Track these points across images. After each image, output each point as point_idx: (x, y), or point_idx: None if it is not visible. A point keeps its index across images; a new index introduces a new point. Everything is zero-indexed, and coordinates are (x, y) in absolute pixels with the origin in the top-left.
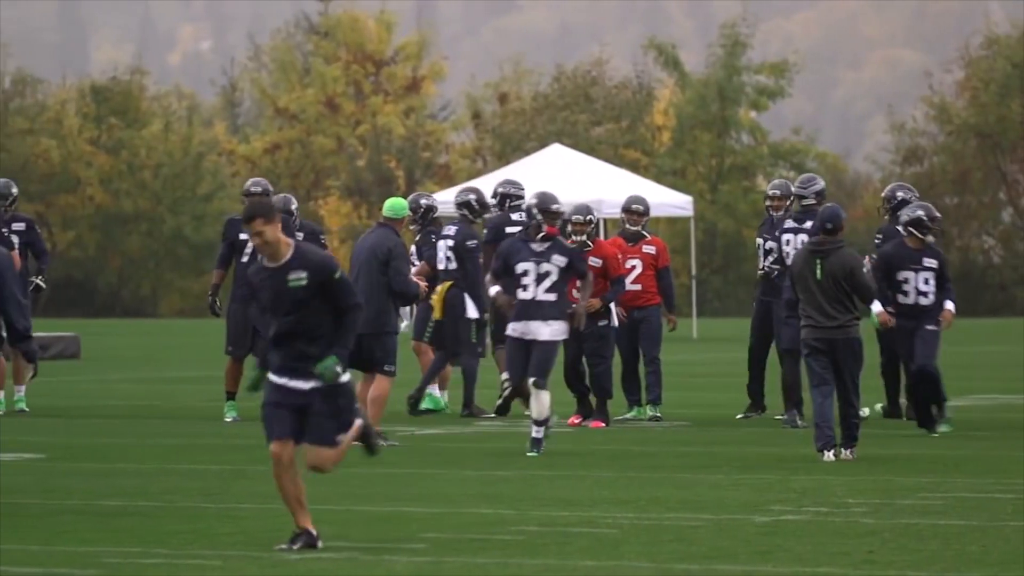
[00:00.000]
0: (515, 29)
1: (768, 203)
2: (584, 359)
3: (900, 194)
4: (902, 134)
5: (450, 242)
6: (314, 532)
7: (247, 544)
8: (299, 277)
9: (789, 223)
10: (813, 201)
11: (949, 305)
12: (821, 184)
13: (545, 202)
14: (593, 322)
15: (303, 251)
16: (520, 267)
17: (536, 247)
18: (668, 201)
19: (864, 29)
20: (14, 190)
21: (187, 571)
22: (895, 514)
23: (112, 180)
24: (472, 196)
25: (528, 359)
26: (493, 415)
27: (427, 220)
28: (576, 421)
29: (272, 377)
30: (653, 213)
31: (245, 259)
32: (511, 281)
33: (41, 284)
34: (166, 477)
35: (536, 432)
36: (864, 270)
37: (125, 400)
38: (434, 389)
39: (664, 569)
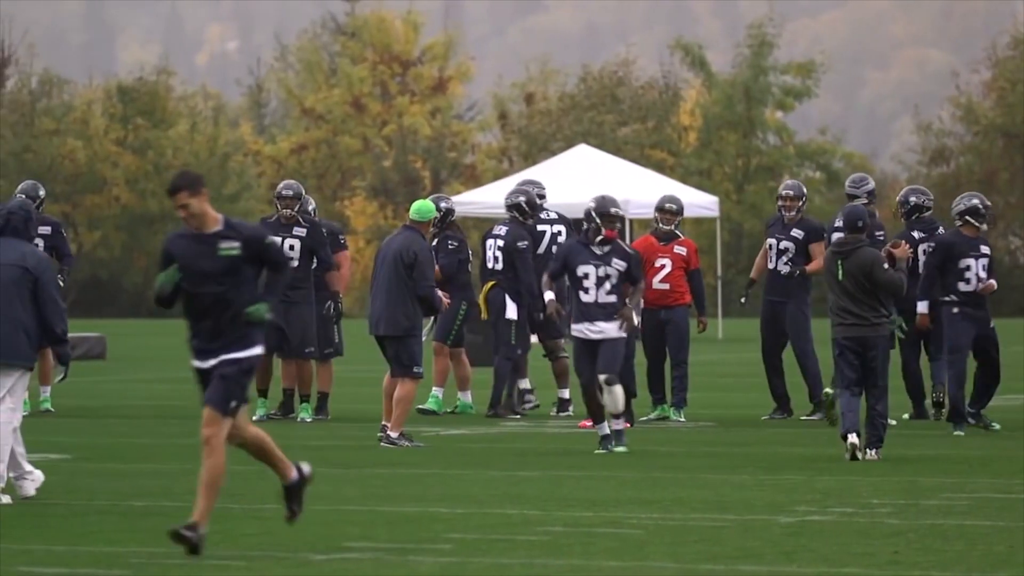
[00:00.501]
0: (542, 29)
1: (780, 203)
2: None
3: (913, 199)
4: (929, 134)
5: (500, 242)
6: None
7: (272, 545)
8: (232, 247)
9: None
10: (865, 200)
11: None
12: (872, 184)
13: (604, 206)
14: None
15: (234, 223)
16: (581, 270)
17: (597, 250)
18: (694, 201)
19: (891, 29)
20: (41, 192)
21: (211, 571)
22: (920, 515)
23: (138, 180)
24: (522, 198)
25: (595, 358)
26: (519, 415)
27: (444, 224)
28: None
29: (195, 363)
30: None
31: None
32: (563, 284)
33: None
34: (191, 477)
35: (616, 424)
36: (884, 266)
37: (150, 400)
38: (439, 391)
39: (689, 570)
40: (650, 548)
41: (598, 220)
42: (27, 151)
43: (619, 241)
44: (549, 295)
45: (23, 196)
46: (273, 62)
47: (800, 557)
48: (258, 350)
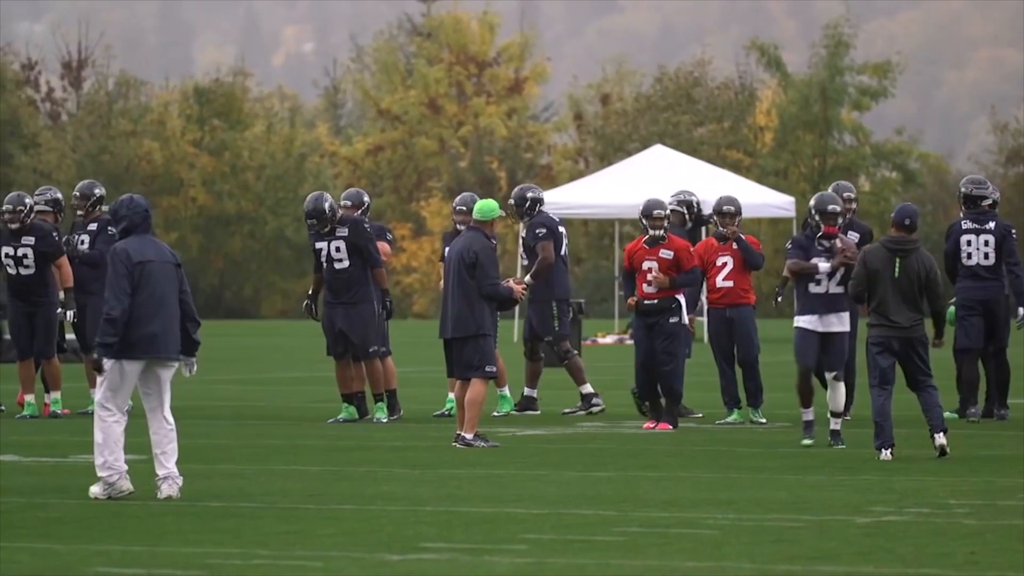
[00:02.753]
0: (618, 30)
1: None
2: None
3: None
4: (1005, 134)
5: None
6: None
7: (348, 545)
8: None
9: (967, 224)
10: (991, 200)
11: None
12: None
13: (823, 203)
14: (664, 319)
15: None
16: (813, 262)
17: (826, 244)
18: (770, 202)
19: (967, 29)
20: (97, 191)
21: (288, 572)
22: (997, 515)
23: (215, 181)
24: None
25: (818, 350)
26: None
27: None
28: (649, 426)
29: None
30: (755, 214)
31: (325, 264)
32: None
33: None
34: (267, 478)
35: (834, 424)
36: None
37: (227, 401)
38: (505, 390)
39: (765, 570)
40: (726, 548)
41: (817, 217)
42: (104, 152)
43: (840, 235)
44: (824, 265)
45: (78, 195)
46: (349, 63)
47: (876, 558)
48: None
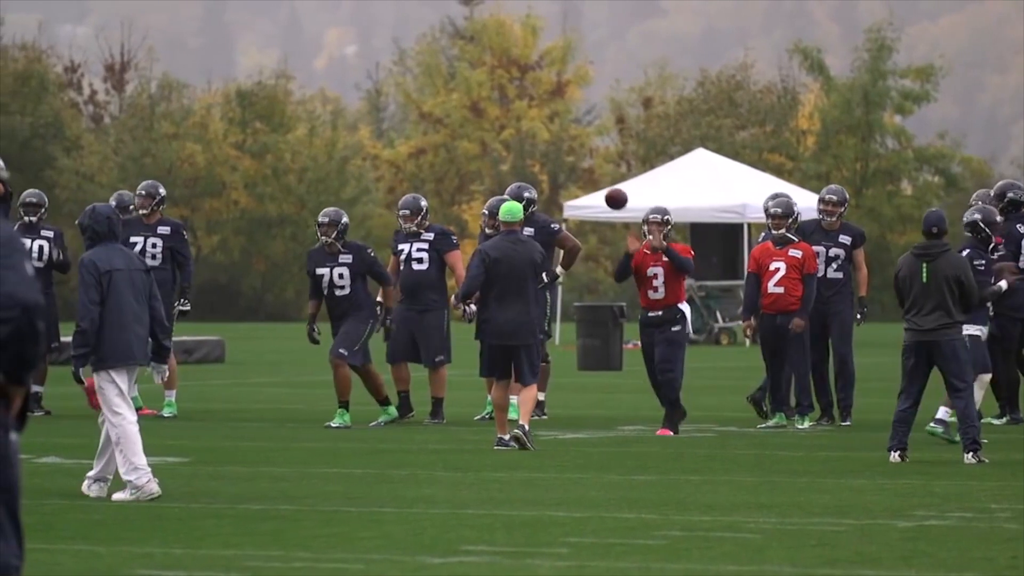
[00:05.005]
0: (660, 33)
1: (821, 207)
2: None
3: (1011, 194)
4: None
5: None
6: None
7: (389, 548)
8: None
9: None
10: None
11: None
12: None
13: (990, 215)
14: (667, 327)
15: None
16: None
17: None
18: (813, 205)
19: (1011, 32)
20: (161, 191)
21: (329, 575)
22: None
23: (257, 184)
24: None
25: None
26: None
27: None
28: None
29: None
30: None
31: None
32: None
33: (182, 308)
34: (308, 481)
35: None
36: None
37: (269, 404)
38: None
39: (807, 574)
40: (768, 552)
41: (988, 230)
42: (146, 155)
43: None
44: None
45: (143, 194)
46: (391, 66)
47: (918, 562)
48: None
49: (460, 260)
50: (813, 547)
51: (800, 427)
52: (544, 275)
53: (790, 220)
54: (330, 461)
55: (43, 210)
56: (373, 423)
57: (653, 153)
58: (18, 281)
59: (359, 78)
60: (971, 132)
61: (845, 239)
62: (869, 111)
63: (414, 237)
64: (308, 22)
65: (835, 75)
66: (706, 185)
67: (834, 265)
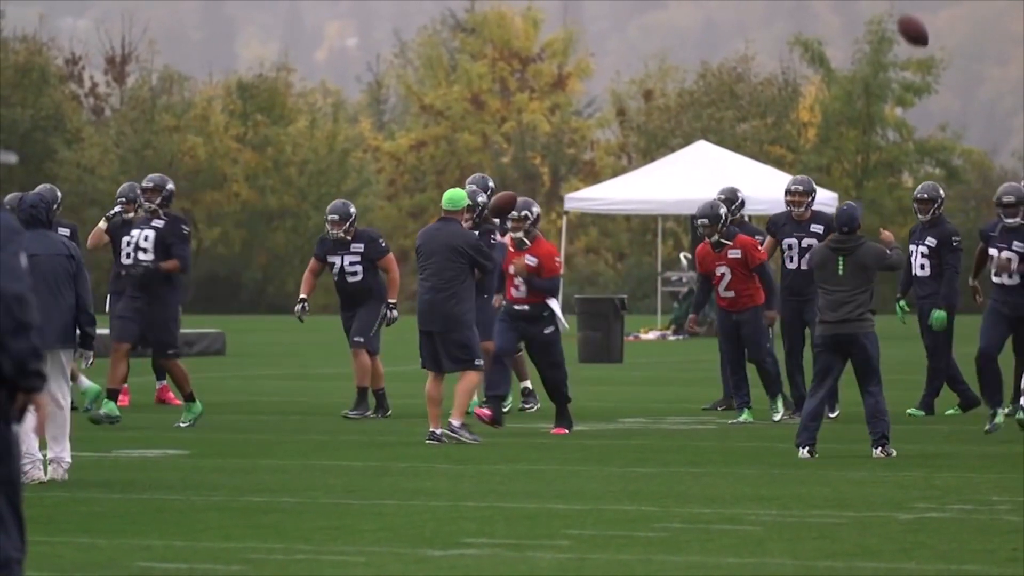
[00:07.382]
0: (661, 26)
1: (788, 198)
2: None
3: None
4: None
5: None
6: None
7: (390, 540)
8: None
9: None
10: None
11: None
12: None
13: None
14: (539, 330)
15: None
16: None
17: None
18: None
19: (1011, 25)
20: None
21: (330, 567)
22: None
23: (258, 177)
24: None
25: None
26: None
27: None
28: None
29: None
30: None
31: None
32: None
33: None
34: (309, 473)
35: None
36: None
37: (269, 396)
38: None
39: (807, 567)
40: (768, 545)
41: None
42: (147, 147)
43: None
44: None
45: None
46: (392, 59)
47: (919, 554)
48: None
49: (394, 262)
50: (814, 539)
51: (739, 420)
52: (475, 270)
53: (719, 225)
54: (331, 454)
55: (56, 206)
56: (351, 411)
57: (654, 145)
58: (1, 273)
59: (360, 70)
60: (972, 124)
61: (817, 228)
62: (870, 103)
63: (343, 247)
64: (309, 14)
65: (836, 67)
66: (707, 177)
67: (807, 255)
